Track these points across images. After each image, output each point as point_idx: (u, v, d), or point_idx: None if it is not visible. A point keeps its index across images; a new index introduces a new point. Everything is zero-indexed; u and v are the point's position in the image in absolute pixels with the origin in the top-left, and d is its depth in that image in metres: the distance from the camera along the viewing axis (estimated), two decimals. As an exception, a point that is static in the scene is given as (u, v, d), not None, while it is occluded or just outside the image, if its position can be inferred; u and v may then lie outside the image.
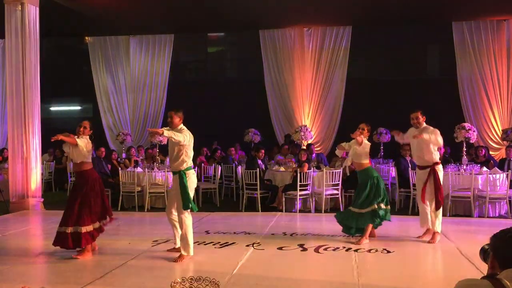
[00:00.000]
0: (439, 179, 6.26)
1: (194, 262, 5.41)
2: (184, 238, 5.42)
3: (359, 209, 6.28)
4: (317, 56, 13.64)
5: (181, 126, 5.56)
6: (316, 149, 12.54)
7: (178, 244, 5.65)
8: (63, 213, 5.65)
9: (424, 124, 6.38)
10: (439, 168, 6.36)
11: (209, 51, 16.25)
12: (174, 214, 5.57)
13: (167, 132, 5.21)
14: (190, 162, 5.55)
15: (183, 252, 5.41)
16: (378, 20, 13.01)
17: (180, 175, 5.43)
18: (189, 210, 5.41)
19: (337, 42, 13.54)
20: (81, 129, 5.66)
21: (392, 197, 10.07)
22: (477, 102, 12.94)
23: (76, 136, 5.60)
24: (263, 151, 10.10)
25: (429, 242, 6.23)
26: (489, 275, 2.02)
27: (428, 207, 6.37)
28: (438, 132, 6.28)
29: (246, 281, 4.75)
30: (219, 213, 8.94)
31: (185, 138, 5.33)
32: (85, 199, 5.54)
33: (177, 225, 5.57)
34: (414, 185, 8.52)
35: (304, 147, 11.48)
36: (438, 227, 6.26)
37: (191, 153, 5.53)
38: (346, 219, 6.43)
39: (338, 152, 6.96)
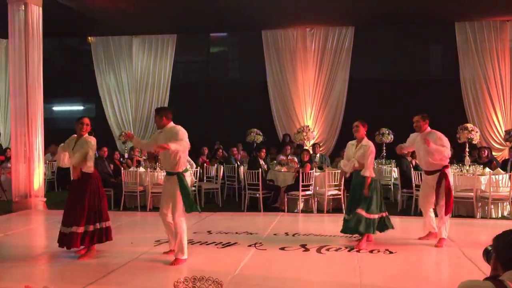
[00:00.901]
0: (450, 183, 6.13)
1: (197, 262, 5.41)
2: (179, 242, 5.28)
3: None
4: (319, 57, 13.64)
5: (172, 124, 5.38)
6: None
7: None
8: (66, 213, 5.59)
9: (429, 129, 6.23)
10: (449, 172, 6.21)
11: (211, 51, 16.25)
12: (169, 215, 5.41)
13: (173, 146, 5.06)
14: (186, 163, 5.45)
15: (178, 256, 5.29)
16: (380, 20, 13.01)
17: (179, 178, 5.26)
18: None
19: (340, 43, 13.55)
20: (84, 126, 5.55)
21: (394, 198, 10.07)
22: (480, 103, 12.93)
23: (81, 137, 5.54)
24: (264, 150, 10.14)
25: (436, 246, 6.10)
26: (491, 276, 2.02)
27: (432, 212, 6.34)
28: (441, 135, 6.17)
29: (248, 281, 4.75)
30: (221, 213, 8.95)
31: (185, 144, 5.22)
32: (84, 198, 5.46)
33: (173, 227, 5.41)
34: (417, 186, 8.51)
35: (306, 147, 11.47)
36: (445, 233, 6.13)
37: (186, 154, 5.39)
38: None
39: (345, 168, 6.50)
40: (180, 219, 5.27)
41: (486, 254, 2.18)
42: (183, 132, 5.28)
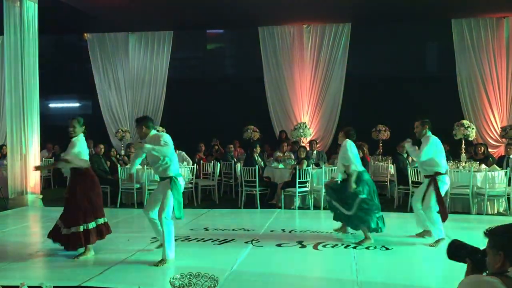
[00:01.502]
0: (439, 191, 6.01)
1: (193, 258, 5.41)
2: (165, 242, 5.13)
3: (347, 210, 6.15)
4: (316, 53, 13.62)
5: (154, 133, 5.36)
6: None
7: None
8: (66, 214, 5.54)
9: (428, 133, 6.13)
10: (440, 179, 6.05)
11: (208, 48, 16.22)
12: (152, 212, 5.36)
13: (147, 148, 5.07)
14: (177, 167, 5.36)
15: (164, 257, 5.14)
16: (377, 17, 13.00)
17: (173, 182, 5.17)
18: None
19: (337, 39, 13.52)
20: (70, 129, 5.49)
21: (391, 195, 10.09)
22: (476, 100, 12.94)
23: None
24: (258, 146, 10.18)
25: (430, 245, 6.02)
26: (498, 271, 2.00)
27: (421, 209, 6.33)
28: (428, 140, 6.02)
29: (245, 277, 4.76)
30: (218, 210, 8.96)
31: (164, 150, 5.13)
32: (82, 197, 5.44)
33: (158, 222, 5.27)
34: (413, 182, 8.55)
35: (303, 144, 11.48)
36: (440, 234, 6.06)
37: (176, 159, 5.31)
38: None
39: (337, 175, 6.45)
40: (167, 219, 5.12)
41: (474, 253, 2.17)
42: (166, 137, 5.23)
